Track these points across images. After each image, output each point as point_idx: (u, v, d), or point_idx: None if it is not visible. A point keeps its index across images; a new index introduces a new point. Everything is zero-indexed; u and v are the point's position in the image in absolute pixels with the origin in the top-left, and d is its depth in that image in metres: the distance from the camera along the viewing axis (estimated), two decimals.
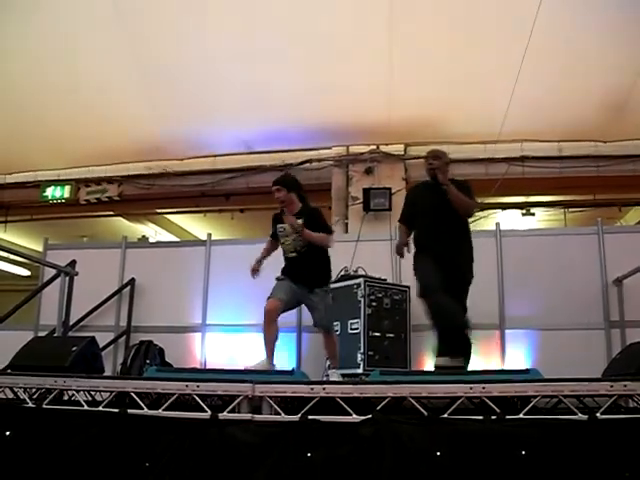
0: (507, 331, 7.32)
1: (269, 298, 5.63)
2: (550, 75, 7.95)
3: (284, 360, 7.54)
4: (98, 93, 8.71)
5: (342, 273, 7.26)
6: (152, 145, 9.69)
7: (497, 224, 7.90)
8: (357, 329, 6.75)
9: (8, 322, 6.48)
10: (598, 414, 3.51)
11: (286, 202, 5.86)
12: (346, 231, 9.32)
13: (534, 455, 3.30)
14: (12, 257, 13.57)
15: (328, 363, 6.03)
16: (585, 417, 3.48)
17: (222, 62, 8.13)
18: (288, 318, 7.66)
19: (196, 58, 8.14)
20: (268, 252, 6.14)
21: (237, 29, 7.68)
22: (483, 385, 3.67)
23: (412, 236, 5.89)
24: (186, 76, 8.45)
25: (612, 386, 3.59)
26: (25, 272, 15.55)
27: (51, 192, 10.74)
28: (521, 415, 3.56)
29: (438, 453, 3.35)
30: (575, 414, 3.54)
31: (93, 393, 4.79)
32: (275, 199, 5.93)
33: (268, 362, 5.45)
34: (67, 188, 10.69)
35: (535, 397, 3.64)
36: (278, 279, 5.78)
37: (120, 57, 8.11)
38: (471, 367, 6.30)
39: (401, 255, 5.98)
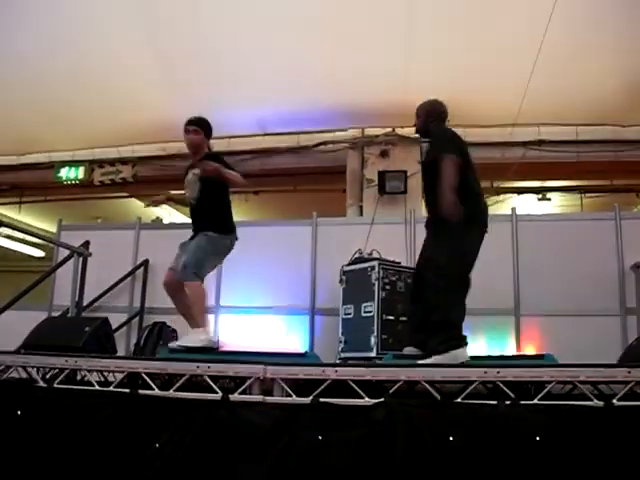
0: (522, 317, 7.26)
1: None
2: (568, 58, 7.82)
3: (296, 342, 7.56)
4: (112, 74, 8.66)
5: (356, 256, 7.21)
6: (166, 126, 9.62)
7: (513, 209, 7.83)
8: (371, 312, 6.70)
9: (22, 302, 6.50)
10: (614, 400, 3.46)
11: (194, 144, 5.80)
12: (361, 214, 9.26)
13: (549, 441, 3.26)
14: (27, 238, 13.61)
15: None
16: (601, 404, 3.43)
17: (238, 44, 8.05)
18: (301, 300, 7.71)
19: (212, 39, 8.07)
20: None
21: (253, 10, 7.59)
22: (498, 370, 3.63)
23: None
24: (202, 57, 8.38)
25: (630, 372, 3.54)
26: (39, 253, 15.60)
27: (65, 173, 10.72)
28: (536, 401, 3.52)
29: (451, 438, 3.32)
30: (590, 400, 3.49)
31: (105, 374, 4.80)
32: (187, 141, 5.85)
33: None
34: (81, 169, 10.67)
35: (550, 383, 3.60)
36: None
37: (135, 38, 8.04)
38: (486, 352, 6.26)
39: None
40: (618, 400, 3.47)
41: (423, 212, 8.85)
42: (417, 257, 5.45)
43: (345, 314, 6.98)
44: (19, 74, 8.67)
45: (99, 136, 10.13)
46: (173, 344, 5.26)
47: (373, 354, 6.48)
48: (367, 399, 3.61)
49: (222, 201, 5.62)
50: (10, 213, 12.44)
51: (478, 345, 6.91)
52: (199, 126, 5.76)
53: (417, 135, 9.23)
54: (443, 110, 5.50)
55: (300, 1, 7.43)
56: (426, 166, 5.28)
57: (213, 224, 5.46)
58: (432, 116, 5.43)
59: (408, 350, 5.09)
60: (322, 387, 3.70)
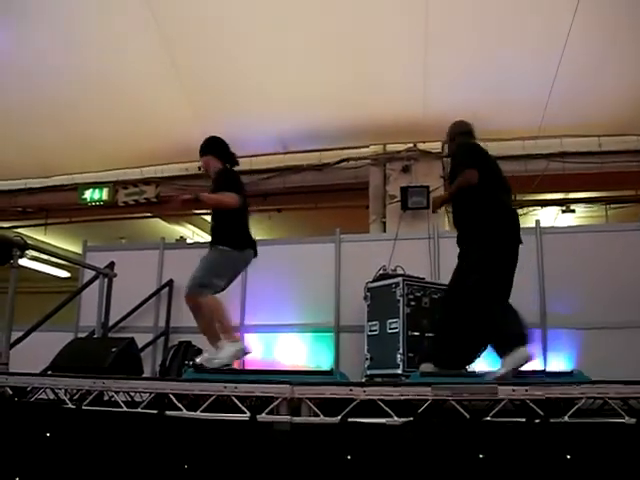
0: (549, 330, 7.19)
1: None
2: (589, 68, 7.80)
3: (322, 360, 7.54)
4: (135, 95, 8.77)
5: (380, 272, 7.19)
6: (189, 146, 9.63)
7: (537, 221, 7.78)
8: (396, 329, 6.67)
9: (49, 323, 6.54)
10: None
11: (206, 168, 6.03)
12: (384, 230, 9.26)
13: (580, 459, 3.21)
14: (52, 259, 13.72)
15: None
16: (633, 420, 3.38)
17: (258, 62, 8.12)
18: (325, 318, 7.68)
19: (233, 60, 8.15)
20: None
21: (273, 29, 7.66)
22: (526, 387, 3.59)
23: None
24: (223, 76, 8.46)
25: None
26: (65, 274, 15.74)
27: (90, 194, 10.86)
28: (566, 418, 3.48)
29: (481, 456, 3.29)
30: (622, 417, 3.44)
31: (132, 394, 4.81)
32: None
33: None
34: (105, 190, 10.80)
35: (580, 399, 3.55)
36: None
37: (157, 59, 8.14)
38: None
39: None
40: None
41: (447, 227, 8.89)
42: (443, 273, 5.50)
43: (370, 331, 6.96)
44: (45, 98, 8.79)
45: (123, 158, 10.24)
46: (203, 359, 5.35)
47: (399, 371, 6.44)
48: (396, 418, 3.58)
49: (235, 217, 5.66)
50: (36, 235, 12.55)
51: None
52: (204, 150, 6.00)
53: (438, 150, 9.41)
54: (465, 128, 5.42)
55: (320, 21, 7.50)
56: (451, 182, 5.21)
57: (225, 238, 5.59)
58: (454, 135, 5.41)
59: (424, 367, 5.05)
60: (350, 407, 3.68)
